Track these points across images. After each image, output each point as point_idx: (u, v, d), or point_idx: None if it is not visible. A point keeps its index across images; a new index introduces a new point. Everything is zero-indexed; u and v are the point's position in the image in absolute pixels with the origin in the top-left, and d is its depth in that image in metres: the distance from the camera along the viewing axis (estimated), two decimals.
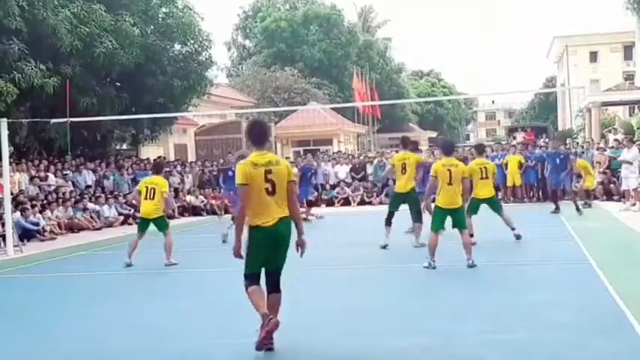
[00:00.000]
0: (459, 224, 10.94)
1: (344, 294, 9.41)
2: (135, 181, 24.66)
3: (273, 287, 6.77)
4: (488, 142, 70.13)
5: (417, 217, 13.07)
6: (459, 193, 10.95)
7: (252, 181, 6.55)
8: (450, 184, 10.82)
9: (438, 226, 10.86)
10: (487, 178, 13.29)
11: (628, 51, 62.12)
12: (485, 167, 13.40)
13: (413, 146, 14.15)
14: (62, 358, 6.95)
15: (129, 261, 12.30)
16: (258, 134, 6.90)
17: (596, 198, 22.78)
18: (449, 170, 10.82)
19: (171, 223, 22.13)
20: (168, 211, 13.02)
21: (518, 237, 13.25)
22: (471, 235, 12.13)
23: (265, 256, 6.68)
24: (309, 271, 11.43)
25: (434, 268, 10.74)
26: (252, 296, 6.66)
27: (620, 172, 21.36)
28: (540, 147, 26.10)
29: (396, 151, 21.88)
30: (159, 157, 25.04)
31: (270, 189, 6.57)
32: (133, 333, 7.74)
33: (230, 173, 22.15)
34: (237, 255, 6.67)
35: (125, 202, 22.17)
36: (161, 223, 12.35)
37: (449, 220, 10.95)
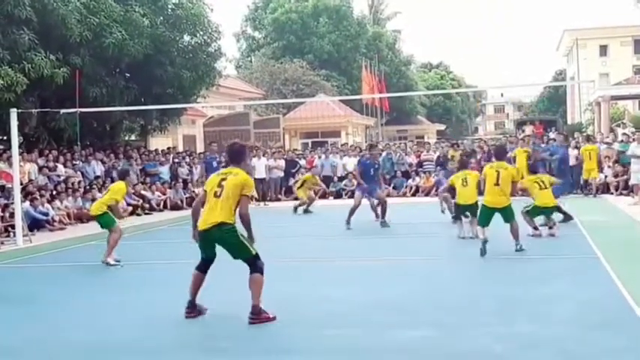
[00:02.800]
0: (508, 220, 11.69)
1: (350, 286, 9.43)
2: (144, 172, 24.79)
3: (249, 269, 7.51)
4: (497, 135, 70.18)
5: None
6: (507, 194, 11.65)
7: (209, 186, 7.70)
8: (497, 184, 11.56)
9: (484, 223, 11.57)
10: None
11: (638, 45, 61.81)
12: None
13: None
14: (68, 347, 6.99)
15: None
16: (231, 154, 7.96)
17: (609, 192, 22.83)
18: (497, 172, 11.62)
19: (180, 213, 22.38)
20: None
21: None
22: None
23: (208, 251, 7.68)
24: (313, 264, 11.51)
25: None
26: (192, 278, 7.79)
27: (628, 166, 21.34)
28: (549, 140, 26.03)
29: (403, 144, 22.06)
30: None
31: (218, 192, 7.53)
32: (139, 322, 7.78)
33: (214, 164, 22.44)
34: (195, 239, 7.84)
35: (134, 193, 22.22)
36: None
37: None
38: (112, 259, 11.81)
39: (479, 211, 12.06)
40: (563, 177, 19.31)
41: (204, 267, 7.76)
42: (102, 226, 12.22)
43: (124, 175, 12.91)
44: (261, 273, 7.46)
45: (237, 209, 7.53)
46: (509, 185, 11.66)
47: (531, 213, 13.60)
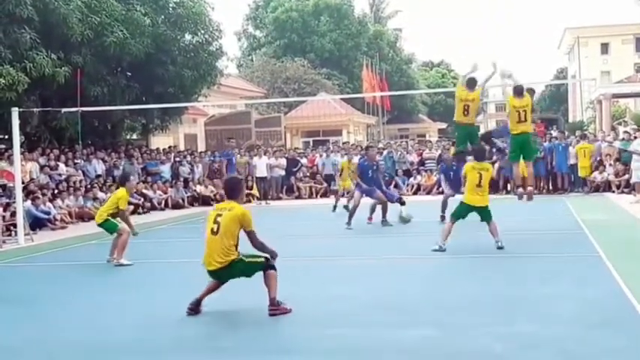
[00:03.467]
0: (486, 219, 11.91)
1: (350, 286, 9.42)
2: (145, 171, 24.81)
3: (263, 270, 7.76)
4: None
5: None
6: (486, 194, 11.96)
7: (207, 222, 7.80)
8: (479, 185, 11.79)
9: (460, 216, 11.87)
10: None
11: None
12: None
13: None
14: (68, 346, 7.00)
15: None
16: (227, 188, 8.15)
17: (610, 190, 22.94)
18: (479, 173, 11.80)
19: (182, 212, 22.41)
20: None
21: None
22: None
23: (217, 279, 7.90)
24: (313, 263, 11.51)
25: (443, 250, 11.57)
26: (208, 283, 7.94)
27: (630, 164, 21.36)
28: (551, 139, 26.13)
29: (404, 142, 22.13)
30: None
31: (215, 229, 7.65)
32: (140, 322, 7.79)
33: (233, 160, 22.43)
34: None
35: (135, 192, 22.21)
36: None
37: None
38: (125, 260, 11.85)
39: (457, 206, 12.18)
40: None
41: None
42: (109, 233, 12.30)
43: (124, 181, 12.95)
44: (275, 269, 7.69)
45: (239, 237, 7.75)
46: (488, 186, 11.99)
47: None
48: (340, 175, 21.53)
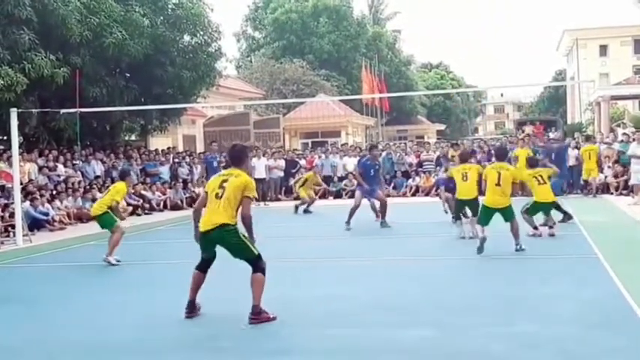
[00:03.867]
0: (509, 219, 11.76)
1: (350, 286, 9.43)
2: (144, 172, 24.80)
3: (252, 269, 7.52)
4: (497, 135, 70.16)
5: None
6: (507, 194, 11.76)
7: (210, 188, 7.73)
8: (498, 184, 11.64)
9: (484, 222, 11.69)
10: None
11: (638, 44, 61.78)
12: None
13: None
14: (68, 346, 7.00)
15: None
16: (232, 156, 7.97)
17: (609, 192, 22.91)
18: (498, 172, 11.68)
19: (180, 213, 22.39)
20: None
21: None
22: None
23: (209, 251, 7.69)
24: (313, 264, 11.50)
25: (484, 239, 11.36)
26: (191, 278, 7.79)
27: (628, 166, 21.37)
28: (549, 140, 26.16)
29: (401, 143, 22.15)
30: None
31: (220, 194, 7.56)
32: (139, 322, 7.79)
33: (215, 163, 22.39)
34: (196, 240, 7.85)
35: (134, 193, 22.22)
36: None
37: None
38: (113, 259, 11.82)
39: (479, 211, 12.07)
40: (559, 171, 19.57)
41: (204, 266, 7.78)
42: (102, 227, 12.25)
43: (124, 176, 12.93)
44: (263, 273, 7.47)
45: (240, 210, 7.56)
46: (509, 186, 11.73)
47: (531, 211, 13.61)
48: (302, 185, 21.89)
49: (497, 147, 13.47)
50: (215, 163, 22.06)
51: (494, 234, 11.91)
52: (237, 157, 7.89)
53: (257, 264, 7.51)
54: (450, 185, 15.06)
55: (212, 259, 7.75)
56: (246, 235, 7.59)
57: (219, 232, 7.51)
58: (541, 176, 13.87)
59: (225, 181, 7.60)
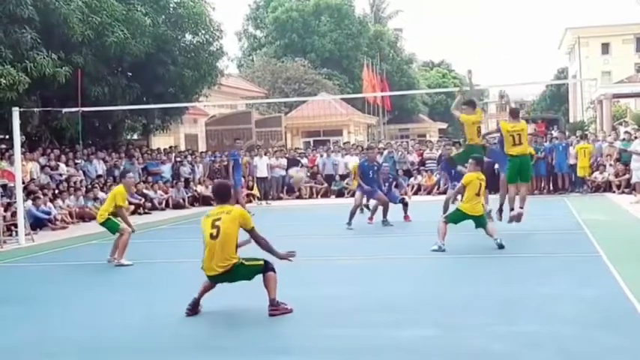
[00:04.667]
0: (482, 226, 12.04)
1: (350, 286, 9.43)
2: (146, 171, 24.82)
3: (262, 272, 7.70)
4: (498, 134, 70.04)
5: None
6: (482, 203, 12.12)
7: (203, 229, 7.74)
8: (478, 195, 11.88)
9: (454, 221, 12.05)
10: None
11: None
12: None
13: None
14: (68, 346, 6.99)
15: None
16: (217, 194, 8.16)
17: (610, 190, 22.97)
18: (480, 184, 11.89)
19: (181, 212, 22.40)
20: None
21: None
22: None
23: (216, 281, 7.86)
24: (313, 263, 11.49)
25: (443, 250, 11.58)
26: (203, 283, 7.92)
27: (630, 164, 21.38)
28: (552, 139, 26.19)
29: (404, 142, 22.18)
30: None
31: (214, 234, 7.60)
32: (140, 322, 7.80)
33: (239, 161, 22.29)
34: None
35: (136, 192, 22.23)
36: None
37: None
38: (125, 261, 11.85)
39: (453, 212, 12.34)
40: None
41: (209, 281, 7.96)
42: (111, 232, 12.31)
43: (121, 178, 13.02)
44: (274, 271, 7.66)
45: (241, 242, 7.83)
46: (485, 195, 12.24)
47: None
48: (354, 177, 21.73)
49: (476, 157, 12.83)
50: (240, 160, 21.95)
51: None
52: (223, 195, 8.04)
53: (267, 268, 7.66)
54: (452, 173, 15.15)
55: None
56: (248, 257, 7.79)
57: (226, 275, 7.70)
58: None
59: (217, 219, 7.68)
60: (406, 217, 16.75)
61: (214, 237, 7.60)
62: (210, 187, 25.30)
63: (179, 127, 33.10)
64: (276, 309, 7.58)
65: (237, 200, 19.03)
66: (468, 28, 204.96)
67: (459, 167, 14.81)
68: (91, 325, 7.76)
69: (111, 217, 12.13)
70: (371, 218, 16.46)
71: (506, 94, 17.64)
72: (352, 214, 15.99)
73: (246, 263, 7.71)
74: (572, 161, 24.16)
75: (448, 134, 62.55)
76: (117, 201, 12.15)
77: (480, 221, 11.99)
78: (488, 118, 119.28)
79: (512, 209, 13.63)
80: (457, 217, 12.07)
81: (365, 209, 17.09)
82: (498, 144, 15.44)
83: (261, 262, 7.70)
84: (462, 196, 12.37)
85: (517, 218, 13.57)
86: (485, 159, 13.63)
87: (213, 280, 7.81)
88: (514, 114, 14.10)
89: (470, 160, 12.54)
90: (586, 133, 29.70)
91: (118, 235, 12.11)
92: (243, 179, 25.38)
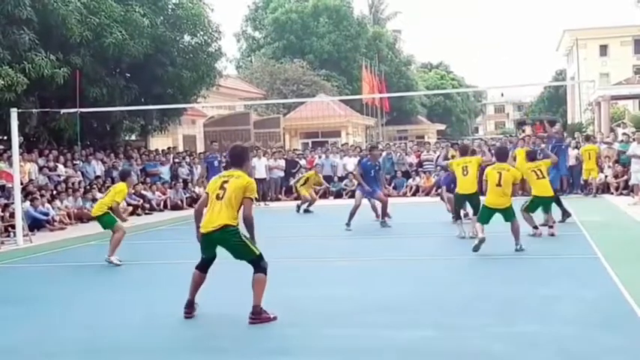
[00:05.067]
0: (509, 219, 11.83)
1: (350, 286, 9.43)
2: (144, 172, 24.81)
3: (253, 268, 7.51)
4: (497, 135, 70.11)
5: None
6: (508, 194, 11.81)
7: (210, 189, 7.72)
8: (499, 185, 11.66)
9: (484, 221, 11.76)
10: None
11: (638, 44, 61.77)
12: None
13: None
14: (67, 346, 7.00)
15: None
16: (233, 156, 7.97)
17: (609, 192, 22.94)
18: (499, 173, 11.71)
19: (180, 213, 22.38)
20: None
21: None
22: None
23: (209, 251, 7.69)
24: (313, 264, 11.51)
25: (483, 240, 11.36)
26: (191, 278, 7.79)
27: (629, 166, 21.38)
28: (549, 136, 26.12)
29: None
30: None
31: (220, 195, 7.54)
32: (139, 322, 7.80)
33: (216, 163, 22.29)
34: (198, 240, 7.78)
35: (134, 193, 22.23)
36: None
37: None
38: (115, 258, 11.82)
39: (480, 210, 12.11)
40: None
41: (204, 266, 7.78)
42: (103, 227, 12.26)
43: (124, 176, 12.93)
44: (265, 273, 7.48)
45: (241, 211, 7.57)
46: (510, 186, 11.77)
47: (530, 207, 13.56)
48: (303, 184, 21.94)
49: (497, 147, 13.36)
50: (216, 163, 21.99)
51: (495, 234, 11.95)
52: (238, 158, 7.87)
53: (258, 264, 7.50)
54: (451, 186, 15.04)
55: (212, 259, 7.75)
56: (248, 235, 7.59)
57: (221, 233, 7.50)
58: (540, 170, 13.74)
59: (225, 182, 7.58)
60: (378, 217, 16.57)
61: (219, 197, 7.53)
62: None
63: (177, 128, 33.10)
64: (257, 318, 7.35)
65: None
66: (467, 29, 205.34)
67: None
68: (91, 325, 7.75)
69: (109, 211, 12.07)
70: (378, 215, 16.40)
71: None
72: (352, 214, 15.98)
73: (244, 238, 7.55)
74: (570, 163, 24.11)
75: (446, 135, 62.63)
76: (117, 198, 12.10)
77: (507, 214, 11.75)
78: (486, 120, 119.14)
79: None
80: (484, 214, 11.86)
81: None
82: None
83: (258, 252, 7.55)
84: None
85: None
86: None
87: (207, 241, 7.60)
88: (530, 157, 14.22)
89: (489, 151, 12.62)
90: (590, 135, 29.64)
91: (112, 234, 12.07)
92: None
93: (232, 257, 7.65)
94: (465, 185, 13.25)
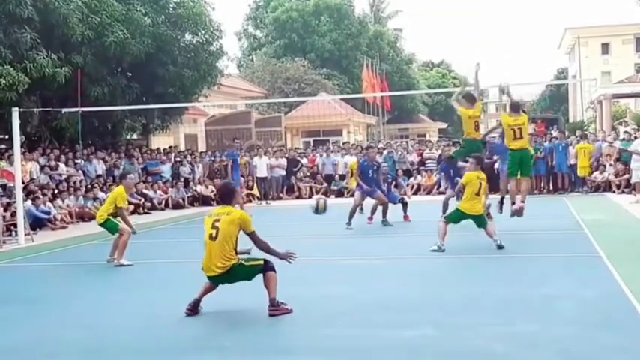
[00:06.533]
0: (482, 226, 12.02)
1: (350, 285, 9.43)
2: (145, 171, 24.83)
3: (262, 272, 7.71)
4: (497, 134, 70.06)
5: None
6: (483, 203, 12.15)
7: (205, 229, 7.75)
8: (477, 194, 11.84)
9: (455, 222, 12.06)
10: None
11: None
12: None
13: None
14: (68, 346, 7.00)
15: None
16: (222, 194, 8.17)
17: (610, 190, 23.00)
18: (480, 183, 11.84)
19: (181, 212, 22.39)
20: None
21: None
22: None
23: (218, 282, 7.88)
24: (313, 263, 11.49)
25: (442, 250, 11.60)
26: (205, 284, 7.91)
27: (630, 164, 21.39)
28: (552, 139, 26.21)
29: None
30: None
31: (214, 235, 7.63)
32: (140, 321, 7.80)
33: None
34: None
35: (135, 192, 22.23)
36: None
37: None
38: (125, 261, 11.85)
39: (452, 212, 12.35)
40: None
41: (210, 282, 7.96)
42: (111, 233, 12.30)
43: (121, 179, 13.01)
44: (274, 270, 7.68)
45: (241, 250, 7.87)
46: (486, 195, 12.19)
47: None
48: (352, 176, 21.57)
49: (478, 156, 12.79)
50: (239, 160, 21.88)
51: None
52: (228, 196, 8.07)
53: (267, 267, 7.68)
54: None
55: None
56: (247, 257, 7.85)
57: (225, 276, 7.74)
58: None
59: (217, 220, 7.71)
60: (406, 218, 16.77)
61: (213, 238, 7.63)
62: (209, 187, 25.35)
63: (179, 127, 33.11)
64: (276, 309, 7.58)
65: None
66: (468, 28, 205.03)
67: (459, 163, 14.74)
68: (91, 325, 7.75)
69: (110, 217, 12.13)
70: (371, 218, 16.43)
71: (506, 85, 17.22)
72: (352, 214, 15.97)
73: (246, 264, 7.73)
74: (572, 161, 24.18)
75: (448, 134, 62.57)
76: (117, 203, 12.14)
77: (480, 221, 11.98)
78: (488, 118, 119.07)
79: (513, 203, 13.65)
80: (457, 217, 12.07)
81: (364, 210, 17.08)
82: (499, 138, 15.41)
83: (261, 262, 7.71)
84: (462, 195, 12.31)
85: (519, 213, 13.58)
86: (486, 160, 13.60)
87: (213, 281, 7.82)
88: (515, 108, 13.96)
89: (470, 160, 12.52)
90: (585, 133, 29.72)
91: (117, 235, 12.11)
92: (242, 179, 25.43)
93: None
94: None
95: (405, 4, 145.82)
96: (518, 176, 13.82)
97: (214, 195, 24.61)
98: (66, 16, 20.58)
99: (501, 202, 14.22)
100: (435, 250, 11.63)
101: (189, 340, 7.01)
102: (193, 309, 7.81)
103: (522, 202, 13.59)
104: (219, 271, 7.65)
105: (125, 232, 12.05)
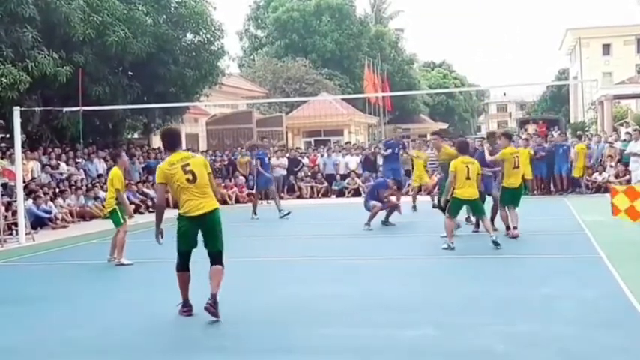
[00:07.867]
0: (478, 213, 12.52)
1: (350, 285, 9.42)
2: (146, 170, 24.82)
3: (213, 261, 7.61)
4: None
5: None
6: (476, 186, 12.12)
7: (170, 179, 7.59)
8: (468, 178, 11.89)
9: (455, 214, 12.26)
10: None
11: None
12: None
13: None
14: (69, 345, 7.01)
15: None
16: (170, 140, 7.93)
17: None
18: (467, 167, 11.94)
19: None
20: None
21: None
22: (514, 228, 12.97)
23: (192, 240, 7.74)
24: (313, 262, 11.52)
25: (452, 249, 11.72)
26: (178, 279, 7.81)
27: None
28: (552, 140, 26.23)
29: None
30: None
31: (191, 178, 7.52)
32: (140, 321, 7.82)
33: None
34: (157, 239, 8.02)
35: (137, 191, 22.26)
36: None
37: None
38: (125, 260, 11.84)
39: (450, 203, 12.17)
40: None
41: (185, 263, 7.83)
42: (114, 225, 12.25)
43: (115, 158, 12.94)
44: (222, 265, 7.61)
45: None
46: (477, 178, 12.12)
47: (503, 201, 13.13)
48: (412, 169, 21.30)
49: (459, 141, 13.28)
50: (266, 160, 21.28)
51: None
52: (173, 141, 7.94)
53: (221, 256, 7.63)
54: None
55: (191, 251, 7.80)
56: None
57: (213, 215, 7.65)
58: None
59: (186, 165, 7.58)
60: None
61: (192, 181, 7.55)
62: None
63: (180, 127, 33.10)
64: (212, 306, 7.42)
65: (271, 198, 19.91)
66: (470, 28, 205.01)
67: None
68: (91, 324, 7.76)
69: (117, 207, 12.01)
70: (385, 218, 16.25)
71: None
72: (373, 216, 15.64)
73: (220, 224, 7.67)
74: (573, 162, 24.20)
75: (449, 135, 62.58)
76: (116, 185, 12.03)
77: (476, 206, 12.19)
78: (489, 119, 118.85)
79: (508, 228, 13.18)
80: (455, 206, 12.15)
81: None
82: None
83: (220, 242, 7.67)
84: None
85: (515, 237, 13.23)
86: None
87: (195, 227, 7.69)
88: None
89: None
90: (580, 134, 29.75)
91: (114, 234, 12.08)
92: (244, 179, 25.43)
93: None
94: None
95: (406, 4, 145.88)
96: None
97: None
98: (67, 15, 20.59)
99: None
100: (445, 249, 11.74)
101: (189, 339, 7.02)
102: (189, 308, 7.79)
103: (515, 228, 13.08)
104: (212, 207, 7.61)
105: (121, 230, 12.01)
